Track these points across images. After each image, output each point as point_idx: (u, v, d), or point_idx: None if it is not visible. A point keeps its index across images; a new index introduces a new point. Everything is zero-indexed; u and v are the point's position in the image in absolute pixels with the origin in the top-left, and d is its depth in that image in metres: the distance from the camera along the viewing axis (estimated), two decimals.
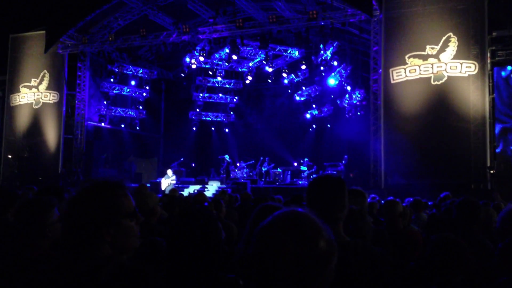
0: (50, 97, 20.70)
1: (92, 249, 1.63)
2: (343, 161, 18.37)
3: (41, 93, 20.86)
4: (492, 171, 13.98)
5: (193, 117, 24.89)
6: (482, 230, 3.91)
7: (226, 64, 22.91)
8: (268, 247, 1.21)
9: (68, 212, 1.67)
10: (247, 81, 23.84)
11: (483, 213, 4.66)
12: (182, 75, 23.62)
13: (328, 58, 19.35)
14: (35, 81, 21.00)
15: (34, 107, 20.91)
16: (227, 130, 25.48)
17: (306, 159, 20.00)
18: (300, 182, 18.61)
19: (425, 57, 14.74)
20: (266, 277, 1.19)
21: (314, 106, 22.27)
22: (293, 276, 1.17)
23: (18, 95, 21.31)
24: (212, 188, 17.54)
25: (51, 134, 20.49)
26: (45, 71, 20.90)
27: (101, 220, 1.66)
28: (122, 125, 23.14)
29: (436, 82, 14.56)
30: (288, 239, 1.19)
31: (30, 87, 21.09)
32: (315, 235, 1.22)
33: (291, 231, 1.21)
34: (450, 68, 14.46)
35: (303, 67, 20.97)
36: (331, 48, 19.04)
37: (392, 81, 15.19)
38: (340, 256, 2.01)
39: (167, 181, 16.67)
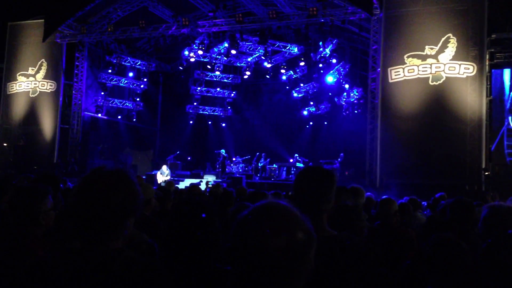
0: (47, 86, 20.61)
1: (108, 241, 1.59)
2: (339, 159, 18.39)
3: (38, 82, 20.76)
4: (486, 173, 14.02)
5: (190, 111, 24.87)
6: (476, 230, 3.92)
7: (225, 58, 22.88)
8: (244, 239, 1.21)
9: (85, 202, 1.58)
10: (245, 76, 23.81)
11: (477, 213, 4.68)
12: (180, 68, 23.59)
13: (327, 55, 19.34)
14: (32, 69, 20.89)
15: (30, 95, 20.81)
16: (224, 124, 25.47)
17: (296, 155, 20.00)
18: None
19: (424, 57, 14.74)
20: (243, 268, 1.20)
21: (311, 103, 22.30)
22: (270, 268, 1.17)
23: (15, 83, 21.20)
24: (204, 183, 17.48)
25: (47, 123, 20.40)
26: (43, 60, 20.79)
27: (127, 209, 1.61)
28: (119, 117, 23.09)
29: (434, 83, 14.57)
30: (264, 230, 1.19)
31: (27, 76, 20.99)
32: (292, 226, 1.22)
33: (267, 222, 1.21)
34: (449, 69, 14.46)
35: (302, 63, 21.01)
36: (330, 46, 19.02)
37: (390, 80, 15.19)
38: (324, 249, 2.02)
39: (163, 178, 16.63)
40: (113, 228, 1.59)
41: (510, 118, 15.04)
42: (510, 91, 15.10)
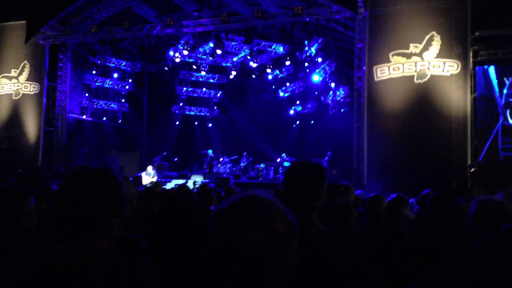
0: (31, 88, 20.33)
1: (93, 241, 1.54)
2: (326, 158, 18.43)
3: (21, 84, 20.46)
4: (472, 169, 14.14)
5: (177, 111, 24.75)
6: (464, 226, 3.92)
7: (210, 58, 22.80)
8: (223, 232, 1.16)
9: (69, 201, 1.53)
10: (231, 76, 23.78)
11: (464, 209, 4.69)
12: (166, 68, 23.40)
13: (313, 54, 19.37)
14: (15, 71, 20.58)
15: (13, 98, 20.50)
16: (210, 125, 25.40)
17: (283, 154, 20.02)
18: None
19: (408, 55, 14.82)
20: (222, 263, 1.15)
21: (298, 102, 22.32)
22: (250, 261, 1.12)
23: None
24: (191, 182, 17.37)
25: (31, 125, 20.13)
26: (26, 61, 20.49)
27: (113, 208, 1.57)
28: (104, 118, 22.87)
29: (419, 81, 14.66)
30: (243, 223, 1.14)
31: (10, 78, 20.67)
32: (274, 217, 1.17)
33: (247, 213, 1.16)
34: (433, 67, 14.57)
35: (288, 63, 21.01)
36: (316, 45, 19.05)
37: (375, 79, 15.25)
38: (315, 244, 2.00)
39: (149, 179, 16.52)
40: (98, 228, 1.54)
41: (508, 112, 15.06)
42: (500, 88, 15.18)
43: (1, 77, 20.83)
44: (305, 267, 1.88)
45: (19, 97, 20.45)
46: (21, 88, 20.45)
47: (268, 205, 1.20)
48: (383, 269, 3.06)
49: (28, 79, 20.41)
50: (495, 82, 15.22)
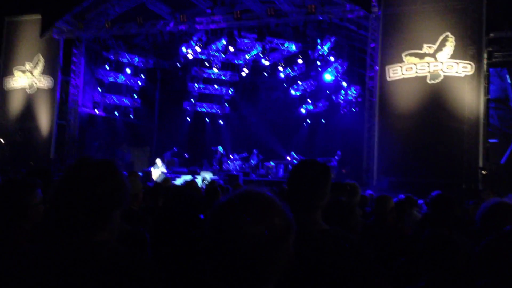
0: (44, 82, 20.54)
1: (92, 233, 1.54)
2: (336, 157, 18.37)
3: (35, 78, 20.69)
4: (483, 172, 14.00)
5: (188, 108, 24.83)
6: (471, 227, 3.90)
7: (223, 55, 22.83)
8: (220, 226, 1.18)
9: (69, 191, 1.53)
10: (243, 74, 23.77)
11: (473, 211, 4.66)
12: (178, 65, 23.47)
13: (325, 53, 19.32)
14: (29, 65, 20.81)
15: (28, 91, 20.74)
16: (221, 121, 25.44)
17: (292, 153, 20.00)
18: None
19: (422, 56, 14.71)
20: (220, 257, 1.17)
21: (309, 101, 22.26)
22: (246, 255, 1.15)
23: (12, 79, 21.12)
24: (200, 179, 17.43)
25: (44, 119, 20.34)
26: (40, 56, 20.71)
27: (113, 200, 1.57)
28: (116, 113, 23.02)
29: (432, 81, 14.54)
30: (241, 217, 1.17)
31: (24, 72, 20.91)
32: (270, 212, 1.20)
33: (244, 208, 1.19)
34: (447, 68, 14.44)
35: (300, 61, 20.95)
36: (328, 43, 18.98)
37: (388, 79, 15.17)
38: (317, 243, 2.00)
39: (157, 171, 16.63)
40: (97, 219, 1.55)
41: None
42: None
43: (16, 71, 21.08)
44: (308, 265, 1.88)
45: (33, 91, 20.67)
46: (35, 82, 20.67)
47: (265, 200, 1.22)
48: (387, 269, 3.06)
49: (42, 73, 20.63)
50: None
